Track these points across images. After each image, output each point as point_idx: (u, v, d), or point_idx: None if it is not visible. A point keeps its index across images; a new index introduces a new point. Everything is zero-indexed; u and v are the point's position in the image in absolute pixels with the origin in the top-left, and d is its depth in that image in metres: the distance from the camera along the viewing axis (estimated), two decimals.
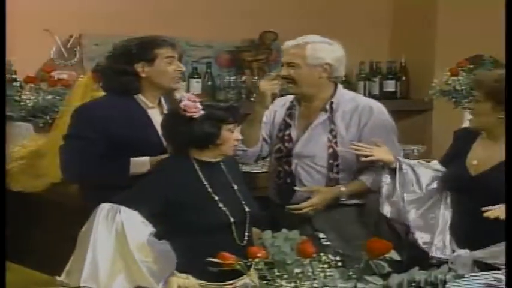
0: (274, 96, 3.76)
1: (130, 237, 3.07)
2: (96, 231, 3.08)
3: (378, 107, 3.84)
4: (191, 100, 3.23)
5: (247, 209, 3.28)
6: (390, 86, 5.66)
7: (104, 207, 3.13)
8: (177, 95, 3.35)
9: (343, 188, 3.75)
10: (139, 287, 3.05)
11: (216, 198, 3.22)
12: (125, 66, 3.49)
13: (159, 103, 3.56)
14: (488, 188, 3.48)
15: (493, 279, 3.08)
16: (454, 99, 4.74)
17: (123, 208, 3.12)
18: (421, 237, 3.58)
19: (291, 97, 3.91)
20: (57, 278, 3.10)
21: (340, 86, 3.87)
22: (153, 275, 3.05)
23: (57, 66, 4.90)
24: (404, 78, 5.70)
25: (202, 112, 3.21)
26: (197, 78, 5.19)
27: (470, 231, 3.50)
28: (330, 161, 3.75)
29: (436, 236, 3.56)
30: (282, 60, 3.86)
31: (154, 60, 3.49)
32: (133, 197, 3.17)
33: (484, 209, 3.39)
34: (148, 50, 3.50)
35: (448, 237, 3.55)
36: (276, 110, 3.88)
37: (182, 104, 3.22)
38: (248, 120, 3.75)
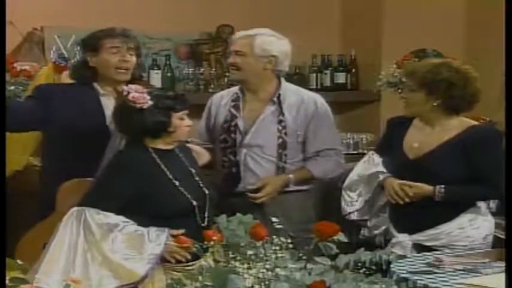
0: None
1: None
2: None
3: (320, 100, 3.94)
4: (138, 91, 3.22)
5: (206, 191, 3.32)
6: (341, 78, 5.71)
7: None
8: (124, 87, 3.28)
9: (291, 175, 3.85)
10: None
11: (177, 183, 3.24)
12: (79, 56, 3.57)
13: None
14: (426, 171, 3.55)
15: (434, 259, 3.18)
16: (399, 90, 4.75)
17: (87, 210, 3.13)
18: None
19: (234, 89, 3.96)
20: (19, 261, 3.08)
21: (283, 80, 3.93)
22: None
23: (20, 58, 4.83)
24: (353, 70, 5.74)
25: (151, 102, 3.22)
26: (157, 70, 5.20)
27: (409, 215, 3.57)
28: (279, 151, 3.84)
29: (372, 218, 3.68)
30: (231, 48, 3.91)
31: (98, 50, 3.53)
32: (98, 196, 3.18)
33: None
34: (95, 41, 3.54)
35: (380, 219, 3.66)
36: (219, 106, 3.93)
37: (131, 96, 3.20)
38: None
